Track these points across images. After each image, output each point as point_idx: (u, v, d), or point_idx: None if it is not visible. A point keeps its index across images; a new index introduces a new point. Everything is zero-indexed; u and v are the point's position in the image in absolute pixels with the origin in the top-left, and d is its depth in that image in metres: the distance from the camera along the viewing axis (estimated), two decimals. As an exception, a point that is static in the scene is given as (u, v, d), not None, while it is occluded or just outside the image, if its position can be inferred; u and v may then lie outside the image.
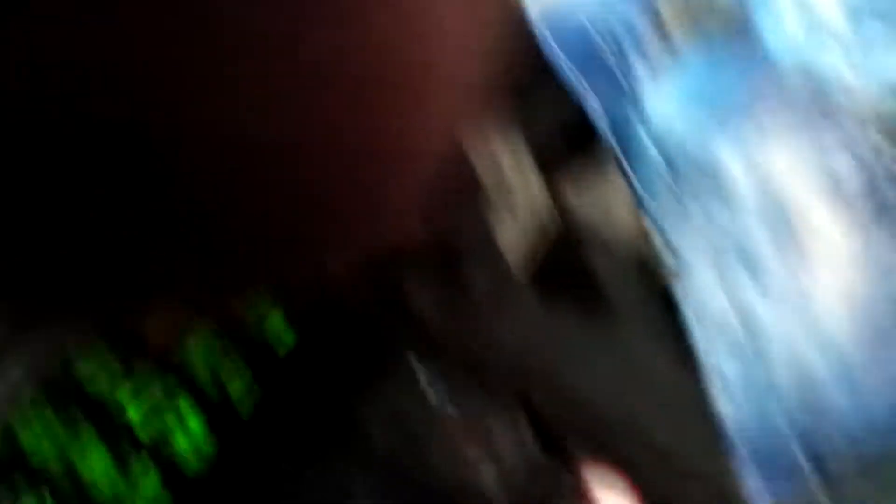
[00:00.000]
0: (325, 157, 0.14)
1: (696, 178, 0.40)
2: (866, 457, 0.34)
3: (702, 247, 0.39)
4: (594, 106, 0.41)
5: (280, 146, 0.13)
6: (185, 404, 0.33)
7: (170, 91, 0.12)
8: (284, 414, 0.33)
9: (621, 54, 0.42)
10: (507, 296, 0.37)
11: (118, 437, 0.33)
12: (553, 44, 0.42)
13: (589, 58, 0.42)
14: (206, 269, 0.15)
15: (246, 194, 0.14)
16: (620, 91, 0.41)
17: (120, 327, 0.31)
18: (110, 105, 0.12)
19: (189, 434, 0.33)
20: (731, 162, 0.39)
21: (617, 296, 0.40)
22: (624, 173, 0.41)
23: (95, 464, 0.32)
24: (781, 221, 0.39)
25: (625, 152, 0.41)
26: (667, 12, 0.42)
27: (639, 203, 0.40)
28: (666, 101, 0.41)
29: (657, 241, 0.40)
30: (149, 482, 0.32)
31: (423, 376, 0.35)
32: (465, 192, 0.36)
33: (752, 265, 0.38)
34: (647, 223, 0.40)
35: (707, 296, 0.39)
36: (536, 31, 0.41)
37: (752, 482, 0.36)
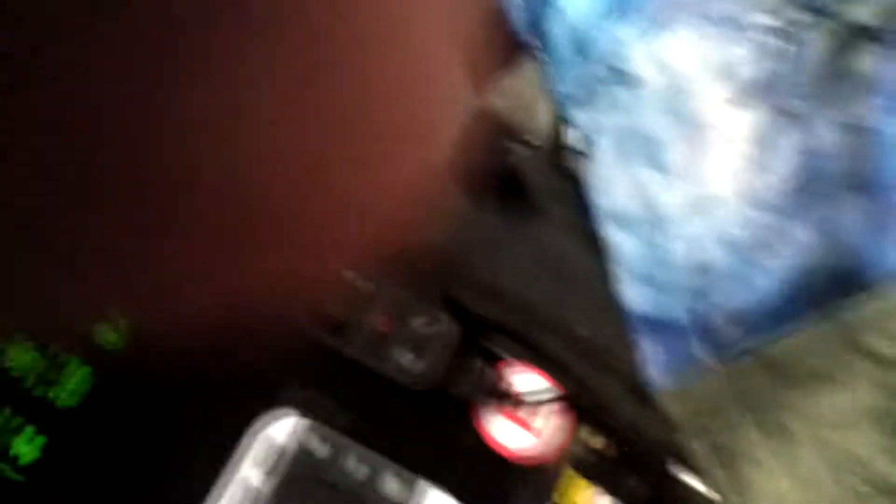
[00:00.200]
0: (299, 165, 0.13)
1: (604, 65, 0.40)
2: (761, 346, 0.37)
3: (608, 131, 0.40)
4: (517, 2, 0.40)
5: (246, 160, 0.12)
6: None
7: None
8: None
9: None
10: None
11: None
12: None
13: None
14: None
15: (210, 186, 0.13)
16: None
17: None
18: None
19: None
20: (635, 50, 0.40)
21: (536, 189, 0.41)
22: (541, 64, 0.41)
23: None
24: (682, 107, 0.40)
25: (542, 44, 0.41)
26: None
27: (553, 92, 0.41)
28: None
29: (569, 129, 0.41)
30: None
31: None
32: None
33: (654, 149, 0.40)
34: (560, 112, 0.41)
35: (612, 179, 0.40)
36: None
37: (650, 363, 0.38)
